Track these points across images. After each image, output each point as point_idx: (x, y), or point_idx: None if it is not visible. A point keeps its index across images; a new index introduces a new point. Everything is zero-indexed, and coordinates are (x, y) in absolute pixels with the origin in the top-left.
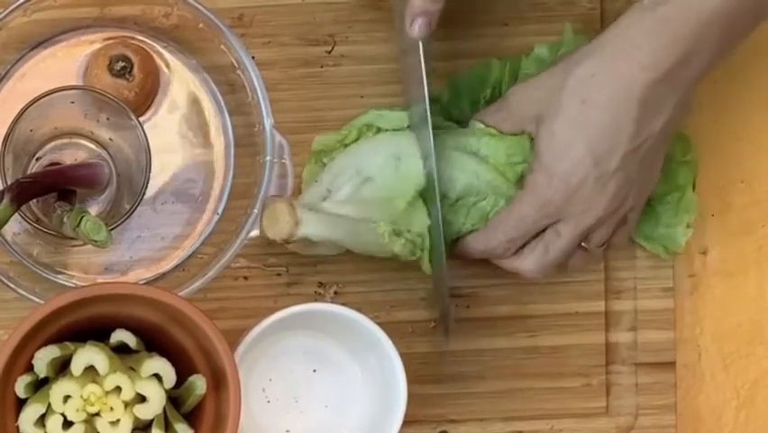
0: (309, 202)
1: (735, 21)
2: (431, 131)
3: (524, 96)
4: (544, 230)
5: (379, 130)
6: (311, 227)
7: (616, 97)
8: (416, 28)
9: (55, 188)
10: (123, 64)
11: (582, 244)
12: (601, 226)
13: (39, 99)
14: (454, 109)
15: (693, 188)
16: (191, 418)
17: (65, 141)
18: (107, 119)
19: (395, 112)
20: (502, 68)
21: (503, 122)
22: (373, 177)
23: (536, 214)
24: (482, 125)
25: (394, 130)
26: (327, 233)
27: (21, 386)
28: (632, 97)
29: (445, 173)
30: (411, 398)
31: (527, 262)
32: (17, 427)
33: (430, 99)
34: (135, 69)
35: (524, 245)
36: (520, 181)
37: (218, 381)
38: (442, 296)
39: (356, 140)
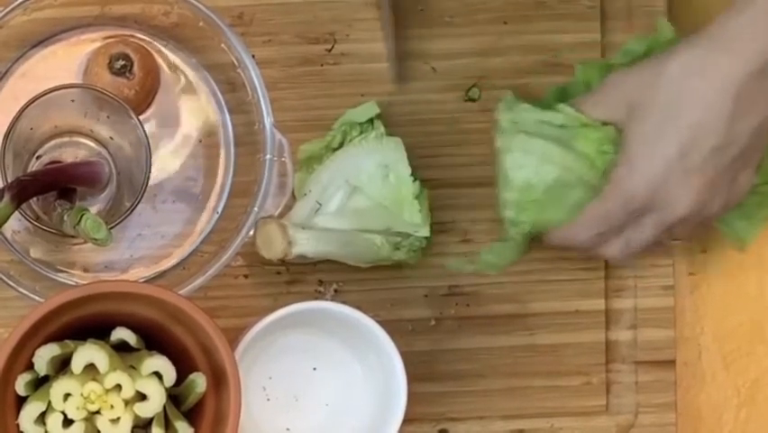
0: (300, 219)
1: None
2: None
3: (619, 83)
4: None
5: (360, 128)
6: (305, 246)
7: (710, 91)
8: None
9: (55, 187)
10: (124, 62)
11: None
12: (682, 225)
13: (39, 97)
14: None
15: None
16: (191, 416)
17: (65, 139)
18: (107, 117)
19: (362, 105)
20: (588, 70)
21: (594, 107)
22: (362, 186)
23: (621, 210)
24: (572, 109)
25: (381, 136)
26: (321, 249)
27: (21, 384)
28: (727, 92)
29: (536, 167)
30: (411, 396)
31: (611, 251)
32: (17, 425)
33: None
34: (135, 68)
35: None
36: (608, 172)
37: (218, 379)
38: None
39: (341, 143)
